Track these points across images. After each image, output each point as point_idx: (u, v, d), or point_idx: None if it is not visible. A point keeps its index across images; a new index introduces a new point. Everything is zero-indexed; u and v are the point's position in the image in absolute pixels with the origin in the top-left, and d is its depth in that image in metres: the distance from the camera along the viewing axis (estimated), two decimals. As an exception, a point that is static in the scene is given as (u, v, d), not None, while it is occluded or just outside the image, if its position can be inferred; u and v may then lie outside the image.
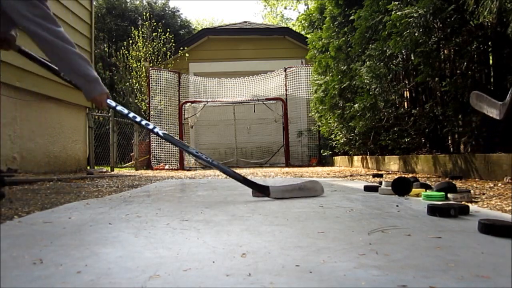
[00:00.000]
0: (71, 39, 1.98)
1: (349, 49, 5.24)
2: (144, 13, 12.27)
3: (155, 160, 8.31)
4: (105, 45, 14.36)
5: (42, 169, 4.96)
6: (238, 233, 1.16)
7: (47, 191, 2.69)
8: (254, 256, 0.89)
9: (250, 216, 1.48)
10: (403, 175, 3.33)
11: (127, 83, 11.13)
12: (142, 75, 10.68)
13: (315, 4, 9.23)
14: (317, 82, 6.59)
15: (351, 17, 5.10)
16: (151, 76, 8.69)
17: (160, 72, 8.83)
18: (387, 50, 3.93)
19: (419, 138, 4.35)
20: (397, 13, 3.52)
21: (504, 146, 3.03)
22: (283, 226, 1.26)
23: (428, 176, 3.62)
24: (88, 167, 6.46)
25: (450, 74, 3.66)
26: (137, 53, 10.87)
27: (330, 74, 5.99)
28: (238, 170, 6.51)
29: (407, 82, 4.58)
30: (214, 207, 1.76)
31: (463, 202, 1.75)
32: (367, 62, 4.40)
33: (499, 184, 2.51)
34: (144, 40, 10.97)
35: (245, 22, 12.67)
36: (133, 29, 11.28)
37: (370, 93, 4.42)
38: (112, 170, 7.33)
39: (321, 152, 8.64)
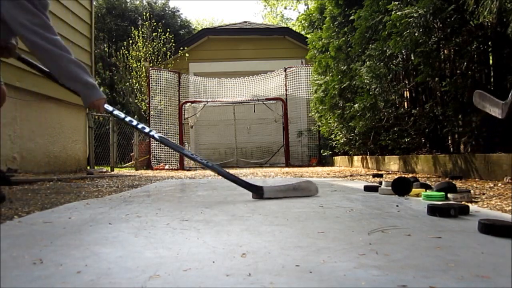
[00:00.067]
0: (68, 47, 2.03)
1: (349, 49, 5.24)
2: (144, 13, 12.27)
3: (155, 160, 8.31)
4: (105, 45, 14.36)
5: (42, 169, 4.97)
6: (238, 233, 1.16)
7: (47, 191, 2.69)
8: (254, 256, 0.89)
9: (250, 216, 1.48)
10: (403, 175, 3.33)
11: (127, 83, 11.13)
12: (142, 75, 10.68)
13: (315, 4, 9.23)
14: (317, 82, 6.59)
15: (351, 17, 5.10)
16: (151, 76, 8.69)
17: (160, 72, 8.83)
18: (387, 50, 3.93)
19: (419, 138, 4.35)
20: (397, 13, 3.52)
21: (504, 146, 3.04)
22: (283, 226, 1.26)
23: (428, 176, 3.62)
24: (88, 167, 6.47)
25: (450, 74, 3.66)
26: (137, 53, 10.86)
27: (330, 74, 5.99)
28: (238, 170, 6.54)
29: (407, 82, 4.58)
30: (214, 207, 1.76)
31: (463, 202, 1.75)
32: (367, 62, 4.40)
33: (499, 184, 2.51)
34: (144, 40, 10.97)
35: (245, 22, 12.68)
36: (133, 29, 11.28)
37: (370, 93, 4.42)
38: (112, 170, 7.33)
39: (321, 152, 8.65)
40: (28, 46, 1.94)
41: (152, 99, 8.61)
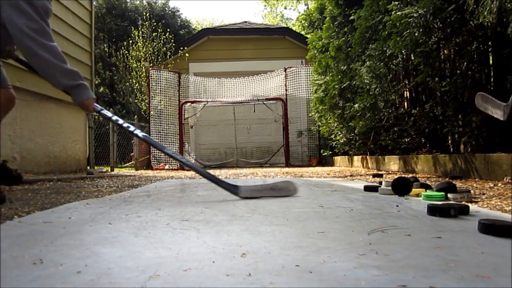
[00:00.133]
0: (62, 54, 2.08)
1: (349, 49, 5.24)
2: (144, 13, 12.28)
3: (155, 160, 8.31)
4: (105, 45, 14.37)
5: (42, 169, 4.97)
6: (238, 233, 1.16)
7: (47, 191, 2.69)
8: (254, 256, 0.89)
9: (250, 216, 1.48)
10: (403, 175, 3.33)
11: (127, 83, 11.14)
12: (142, 75, 10.68)
13: (315, 4, 9.24)
14: (317, 82, 6.59)
15: (351, 17, 5.10)
16: (151, 76, 8.69)
17: (160, 72, 8.83)
18: (387, 50, 3.93)
19: (419, 138, 4.36)
20: (397, 13, 3.52)
21: (504, 146, 3.04)
22: (283, 226, 1.26)
23: (428, 176, 3.62)
24: (88, 167, 6.46)
25: (450, 74, 3.66)
26: (137, 53, 10.87)
27: (330, 74, 5.99)
28: (238, 170, 6.54)
29: (407, 82, 4.58)
30: (214, 207, 1.76)
31: (463, 202, 1.75)
32: (367, 62, 4.40)
33: (499, 184, 2.51)
34: (144, 40, 10.97)
35: (245, 22, 12.68)
36: (133, 29, 11.29)
37: (370, 93, 4.42)
38: (112, 170, 7.33)
39: (321, 152, 8.65)
40: (21, 51, 1.99)
41: (152, 99, 8.61)
